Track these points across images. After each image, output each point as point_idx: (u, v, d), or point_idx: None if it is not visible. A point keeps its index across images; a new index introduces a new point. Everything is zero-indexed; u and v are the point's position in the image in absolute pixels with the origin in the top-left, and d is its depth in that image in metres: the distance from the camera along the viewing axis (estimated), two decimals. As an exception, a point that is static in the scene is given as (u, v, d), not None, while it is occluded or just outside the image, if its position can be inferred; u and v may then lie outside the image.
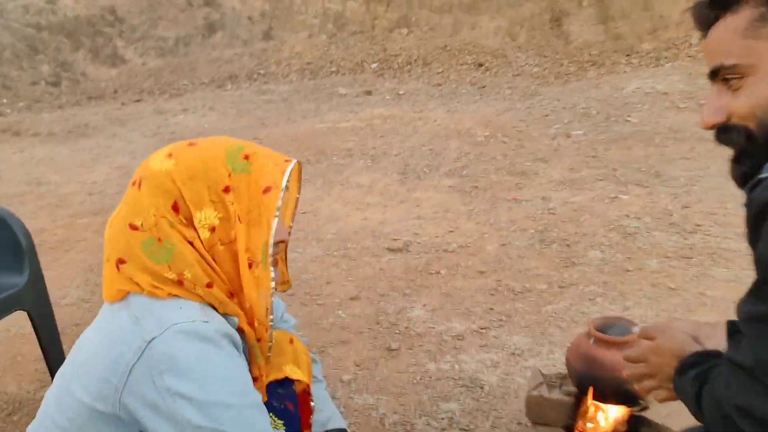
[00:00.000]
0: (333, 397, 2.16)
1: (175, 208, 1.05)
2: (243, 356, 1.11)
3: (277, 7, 11.38)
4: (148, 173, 1.08)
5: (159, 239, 1.04)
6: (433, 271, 3.15)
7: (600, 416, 1.73)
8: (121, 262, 1.06)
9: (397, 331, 2.57)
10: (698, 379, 0.97)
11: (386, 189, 4.70)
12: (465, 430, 1.96)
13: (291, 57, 10.88)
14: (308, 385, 1.39)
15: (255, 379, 1.20)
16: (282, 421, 1.29)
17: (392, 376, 2.27)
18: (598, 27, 10.15)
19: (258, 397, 1.07)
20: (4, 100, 10.03)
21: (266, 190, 1.08)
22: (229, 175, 1.06)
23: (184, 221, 1.05)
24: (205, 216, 1.05)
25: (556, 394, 1.74)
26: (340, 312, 2.77)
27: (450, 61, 10.27)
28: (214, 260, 1.07)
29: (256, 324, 1.13)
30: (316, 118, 7.45)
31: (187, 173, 1.05)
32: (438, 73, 9.92)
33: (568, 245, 3.38)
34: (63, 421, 1.06)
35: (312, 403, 1.41)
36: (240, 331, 1.15)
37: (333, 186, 4.85)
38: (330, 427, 1.46)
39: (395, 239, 3.63)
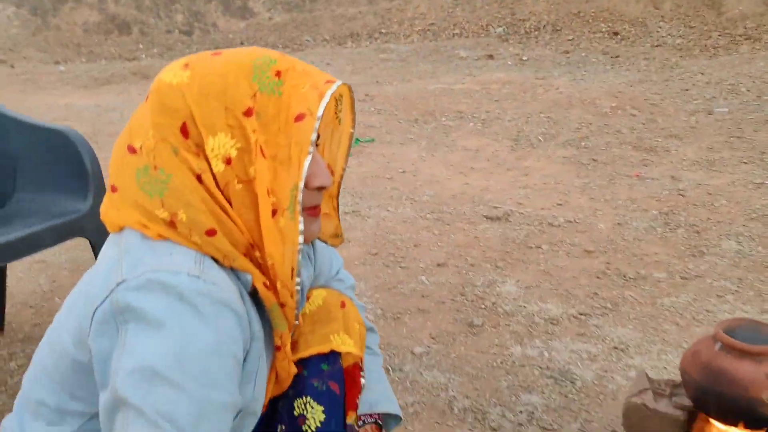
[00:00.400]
0: (400, 370, 1.93)
1: (184, 131, 0.83)
2: (250, 328, 0.86)
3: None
4: (157, 86, 0.86)
5: (155, 167, 0.83)
6: (533, 245, 2.81)
7: (719, 441, 1.37)
8: (113, 189, 0.87)
9: (483, 306, 2.29)
10: None
11: (494, 155, 4.36)
12: (547, 429, 1.66)
13: (414, 17, 10.60)
14: (360, 359, 1.16)
15: (277, 349, 0.98)
16: (321, 407, 1.08)
17: (469, 355, 1.99)
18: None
19: (231, 400, 0.81)
20: (140, 46, 10.52)
21: (299, 117, 0.84)
22: (254, 95, 0.84)
23: (194, 148, 0.83)
24: (220, 144, 0.83)
25: (664, 406, 1.40)
26: (423, 278, 2.52)
27: (582, 28, 9.57)
28: (229, 202, 0.85)
29: (278, 286, 0.89)
30: (432, 79, 7.15)
31: (202, 89, 0.83)
32: (568, 40, 9.27)
33: (697, 232, 2.92)
34: (49, 363, 0.90)
35: (362, 380, 1.18)
36: (253, 292, 0.91)
37: (438, 148, 4.57)
38: (379, 409, 1.22)
39: (495, 207, 3.31)
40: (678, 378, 1.48)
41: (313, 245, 1.19)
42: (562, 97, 5.68)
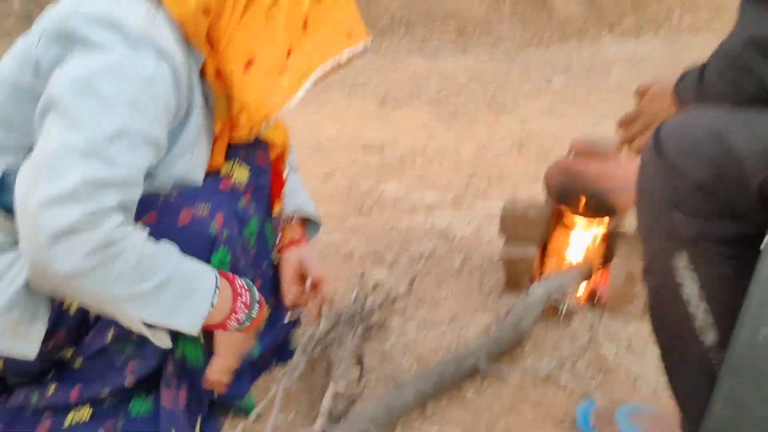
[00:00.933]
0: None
1: None
2: (182, 89, 0.94)
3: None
4: None
5: None
6: (408, 162, 3.07)
7: (577, 230, 1.67)
8: None
9: (370, 198, 2.49)
10: (699, 68, 0.91)
11: (364, 110, 4.61)
12: (435, 262, 1.89)
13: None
14: (283, 152, 1.29)
15: (215, 139, 1.09)
16: (247, 167, 1.20)
17: (363, 225, 2.19)
18: (581, 0, 10.16)
19: (155, 135, 0.88)
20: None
21: (349, 35, 1.05)
22: None
23: None
24: None
25: (532, 211, 1.68)
26: (311, 182, 2.68)
27: (433, 25, 10.20)
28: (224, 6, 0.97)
29: (243, 119, 1.02)
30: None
31: None
32: (421, 36, 9.85)
33: (546, 150, 3.33)
34: None
35: (285, 174, 1.32)
36: (201, 74, 1.03)
37: (308, 105, 4.74)
38: (305, 212, 1.37)
39: (371, 143, 3.54)
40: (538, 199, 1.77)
41: None
42: (421, 71, 6.10)
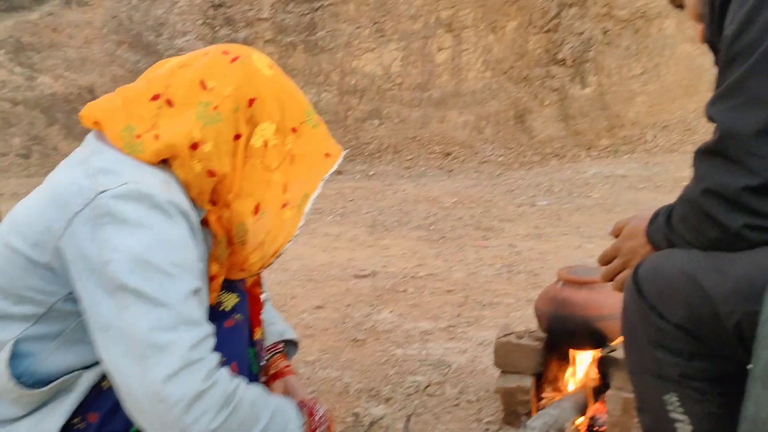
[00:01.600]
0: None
1: (251, 103, 1.04)
2: (198, 242, 1.02)
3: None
4: (247, 62, 1.06)
5: (215, 107, 1.01)
6: (401, 290, 3.11)
7: (570, 359, 1.69)
8: (169, 103, 1.00)
9: (363, 328, 2.51)
10: (667, 211, 0.98)
11: (354, 237, 4.71)
12: (432, 395, 1.88)
13: (264, 141, 11.12)
14: (259, 277, 1.29)
15: (212, 278, 1.11)
16: (235, 294, 1.22)
17: (357, 358, 2.19)
18: (559, 123, 10.69)
19: (198, 285, 0.96)
20: (-29, 169, 9.95)
21: (327, 155, 1.11)
22: (302, 123, 1.09)
23: (248, 117, 1.03)
24: (267, 130, 1.04)
25: (525, 341, 1.70)
26: (304, 315, 2.70)
27: (419, 150, 10.63)
28: (230, 162, 1.04)
29: (254, 258, 1.08)
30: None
31: (276, 92, 1.06)
32: (408, 159, 10.24)
33: (535, 275, 3.39)
34: None
35: (262, 296, 1.34)
36: (204, 224, 1.11)
37: (299, 236, 4.83)
38: (287, 336, 1.39)
39: (362, 270, 3.60)
40: (533, 327, 1.80)
41: None
42: (408, 196, 6.28)
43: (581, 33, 10.84)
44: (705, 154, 0.87)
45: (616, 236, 1.15)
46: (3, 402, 0.95)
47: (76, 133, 11.07)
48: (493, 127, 11.04)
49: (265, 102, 1.04)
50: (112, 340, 0.87)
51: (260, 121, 1.04)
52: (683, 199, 0.91)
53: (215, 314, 1.14)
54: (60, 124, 10.89)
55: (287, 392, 1.29)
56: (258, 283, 1.31)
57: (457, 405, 1.83)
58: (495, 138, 10.82)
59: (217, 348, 0.97)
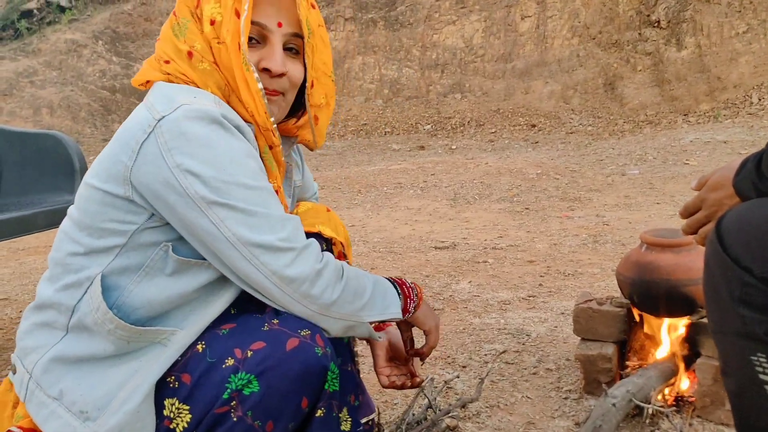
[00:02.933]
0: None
1: (198, 4, 1.05)
2: (255, 147, 1.03)
3: (335, 72, 11.88)
4: None
5: (178, 21, 1.05)
6: (480, 261, 3.06)
7: (656, 326, 1.60)
8: (162, 59, 1.05)
9: (442, 298, 2.48)
10: (756, 158, 0.90)
11: (435, 211, 4.68)
12: (509, 363, 1.84)
13: (347, 119, 11.24)
14: (344, 248, 1.28)
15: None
16: None
17: (434, 327, 2.16)
18: (653, 89, 10.15)
19: (270, 186, 1.00)
20: (77, 155, 10.63)
21: None
22: None
23: (198, 12, 1.05)
24: (210, 9, 1.02)
25: (606, 307, 1.62)
26: (383, 285, 2.71)
27: (503, 122, 10.41)
28: (214, 57, 1.04)
29: (261, 130, 1.06)
30: (369, 165, 7.58)
31: None
32: (491, 133, 10.04)
33: (623, 244, 3.25)
34: (76, 213, 1.01)
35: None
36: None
37: (381, 209, 4.86)
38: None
39: (442, 241, 3.57)
40: (611, 294, 1.71)
41: (302, 162, 1.39)
42: (491, 169, 6.16)
43: (677, -9, 10.19)
44: None
45: (699, 190, 1.07)
46: (95, 337, 0.98)
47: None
48: (581, 96, 10.62)
49: None
50: (225, 249, 0.95)
51: (204, 8, 1.03)
52: None
53: None
54: (155, 109, 11.45)
55: (388, 342, 1.28)
56: (343, 255, 1.29)
57: (535, 373, 1.77)
58: (583, 107, 10.41)
59: (300, 327, 0.99)
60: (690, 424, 1.46)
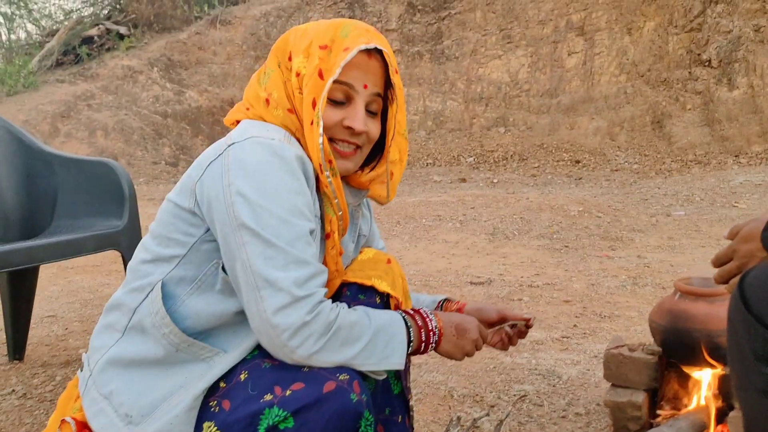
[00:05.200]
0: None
1: (290, 57, 1.13)
2: (312, 191, 1.09)
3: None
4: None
5: (265, 72, 1.16)
6: (515, 299, 3.04)
7: (689, 375, 1.57)
8: (245, 97, 1.17)
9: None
10: None
11: (473, 245, 4.67)
12: (538, 405, 1.82)
13: (390, 150, 11.31)
14: (399, 303, 1.24)
15: (327, 236, 1.15)
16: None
17: (464, 364, 2.16)
18: (703, 129, 9.96)
19: (311, 227, 1.04)
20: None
21: (346, 49, 1.08)
22: (333, 40, 1.10)
23: (287, 62, 1.13)
24: (298, 62, 1.10)
25: (638, 354, 1.61)
26: (416, 319, 2.72)
27: (546, 157, 10.34)
28: (293, 103, 1.12)
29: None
30: (410, 196, 7.62)
31: (305, 29, 1.14)
32: (534, 167, 9.98)
33: (663, 288, 3.19)
34: (154, 225, 1.12)
35: None
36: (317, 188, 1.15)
37: (419, 241, 4.88)
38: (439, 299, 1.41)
39: (478, 277, 3.57)
40: (646, 341, 1.69)
41: (371, 216, 1.38)
42: (532, 204, 6.12)
43: (729, 31, 10.04)
44: None
45: (732, 239, 1.07)
46: (148, 340, 1.05)
47: (218, 143, 11.90)
48: (628, 133, 10.50)
49: (293, 43, 1.12)
50: (239, 271, 1.00)
51: (293, 59, 1.11)
52: None
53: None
54: (204, 134, 11.76)
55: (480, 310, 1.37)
56: (398, 308, 1.31)
57: (564, 417, 1.76)
58: (629, 145, 10.28)
59: (338, 371, 1.02)
60: (721, 480, 1.43)
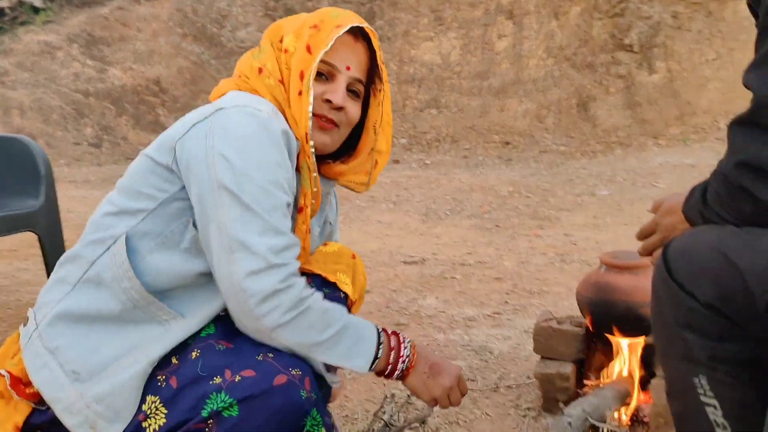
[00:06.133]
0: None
1: (281, 39, 1.17)
2: (293, 165, 1.09)
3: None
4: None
5: (259, 48, 1.19)
6: (448, 277, 3.08)
7: (613, 346, 1.63)
8: (238, 76, 1.18)
9: (407, 313, 2.50)
10: (702, 187, 0.93)
11: (406, 225, 4.70)
12: (471, 380, 1.85)
13: (323, 131, 11.22)
14: (353, 305, 1.29)
15: (299, 210, 1.15)
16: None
17: (398, 342, 2.18)
18: (625, 112, 10.33)
19: (288, 201, 1.04)
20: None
21: (338, 26, 1.12)
22: (321, 21, 1.14)
23: (279, 44, 1.16)
24: (288, 40, 1.14)
25: (566, 326, 1.65)
26: (350, 299, 2.71)
27: (477, 139, 10.49)
28: (282, 75, 1.14)
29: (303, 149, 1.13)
30: (343, 177, 7.58)
31: (298, 16, 1.21)
32: (465, 149, 10.12)
33: (589, 265, 3.30)
34: (123, 180, 1.10)
35: None
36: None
37: (353, 222, 4.87)
38: None
39: (411, 256, 3.59)
40: (574, 315, 1.75)
41: (336, 207, 1.41)
42: (464, 185, 6.22)
43: (649, 17, 10.42)
44: (739, 125, 0.81)
45: (655, 213, 1.11)
46: (104, 293, 1.02)
47: (144, 124, 11.47)
48: (555, 115, 10.77)
49: (286, 26, 1.17)
50: (212, 232, 0.99)
51: (284, 38, 1.15)
52: (717, 173, 0.86)
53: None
54: (128, 114, 11.30)
55: None
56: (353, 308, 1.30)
57: (495, 390, 1.79)
58: (556, 127, 10.56)
59: (291, 366, 1.00)
60: (643, 444, 1.49)
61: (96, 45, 11.55)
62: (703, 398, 0.84)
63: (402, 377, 1.11)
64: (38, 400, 1.01)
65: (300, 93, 1.10)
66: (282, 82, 1.13)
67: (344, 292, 1.23)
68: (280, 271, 0.97)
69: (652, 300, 0.90)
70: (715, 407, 0.83)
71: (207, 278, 1.03)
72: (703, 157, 7.62)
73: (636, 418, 1.59)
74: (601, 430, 1.49)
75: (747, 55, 9.61)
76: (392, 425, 1.52)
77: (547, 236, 4.14)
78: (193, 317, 1.03)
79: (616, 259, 1.62)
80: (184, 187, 1.03)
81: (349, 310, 1.26)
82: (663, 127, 9.77)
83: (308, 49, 1.11)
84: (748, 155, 0.77)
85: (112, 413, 0.97)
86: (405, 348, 1.11)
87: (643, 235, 1.14)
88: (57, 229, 1.99)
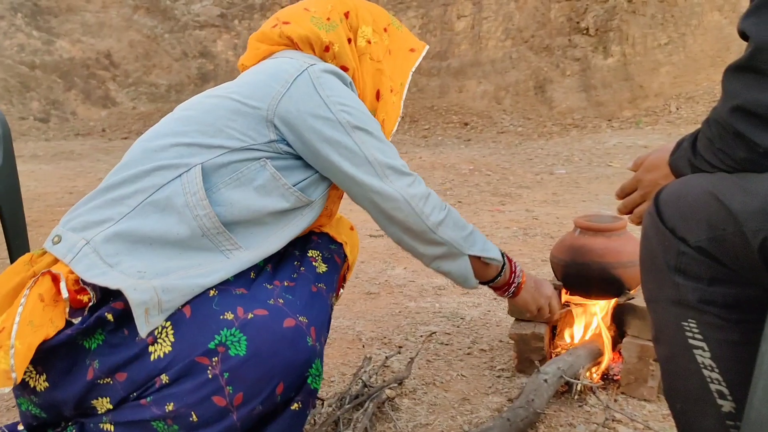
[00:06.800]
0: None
1: (347, 15, 1.26)
2: None
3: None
4: None
5: (327, 18, 1.23)
6: (415, 249, 3.09)
7: (586, 307, 1.66)
8: (285, 23, 1.22)
9: (377, 282, 2.50)
10: (692, 137, 0.95)
11: (370, 201, 4.69)
12: (444, 344, 1.87)
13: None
14: (348, 271, 1.34)
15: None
16: (326, 265, 1.23)
17: (370, 310, 2.18)
18: (580, 94, 10.52)
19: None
20: (-9, 133, 10.02)
21: (412, 50, 1.34)
22: (389, 24, 1.32)
23: (349, 27, 1.25)
24: (367, 32, 1.26)
25: (541, 288, 1.67)
26: (318, 270, 2.70)
27: (437, 119, 10.54)
28: (350, 62, 1.24)
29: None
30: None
31: (362, 3, 1.29)
32: (425, 129, 10.15)
33: (551, 237, 3.36)
34: (186, 113, 1.11)
35: (341, 291, 1.35)
36: None
37: (317, 197, 4.83)
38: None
39: (377, 229, 3.59)
40: (547, 276, 1.77)
41: None
42: (425, 163, 6.24)
43: (605, 1, 10.58)
44: (736, 71, 0.82)
45: (636, 171, 1.12)
46: (172, 217, 1.01)
47: (94, 98, 11.10)
48: (513, 97, 10.89)
49: (357, 12, 1.26)
50: (360, 166, 1.11)
51: (359, 26, 1.26)
52: (710, 120, 0.87)
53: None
54: (78, 88, 10.92)
55: None
56: (344, 276, 1.33)
57: (469, 353, 1.81)
58: (514, 108, 10.68)
59: (300, 312, 1.01)
60: (615, 400, 1.53)
61: (42, 15, 11.09)
62: (691, 341, 0.86)
63: (514, 293, 1.32)
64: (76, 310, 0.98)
65: (392, 90, 1.27)
66: (345, 68, 1.22)
67: (345, 254, 1.30)
68: (420, 180, 1.16)
69: (642, 247, 0.92)
70: (703, 349, 0.85)
71: (273, 217, 1.08)
72: (654, 139, 7.83)
73: (607, 376, 1.63)
74: (574, 387, 1.53)
75: (698, 40, 9.89)
76: (370, 386, 1.52)
77: (509, 211, 4.20)
78: (254, 251, 1.06)
79: (591, 222, 1.65)
80: (271, 141, 1.08)
81: (344, 278, 1.33)
82: (617, 109, 9.99)
83: (389, 53, 1.30)
84: (745, 100, 0.79)
85: (167, 303, 0.96)
86: (517, 268, 1.32)
87: (624, 193, 1.15)
88: (15, 191, 1.91)
